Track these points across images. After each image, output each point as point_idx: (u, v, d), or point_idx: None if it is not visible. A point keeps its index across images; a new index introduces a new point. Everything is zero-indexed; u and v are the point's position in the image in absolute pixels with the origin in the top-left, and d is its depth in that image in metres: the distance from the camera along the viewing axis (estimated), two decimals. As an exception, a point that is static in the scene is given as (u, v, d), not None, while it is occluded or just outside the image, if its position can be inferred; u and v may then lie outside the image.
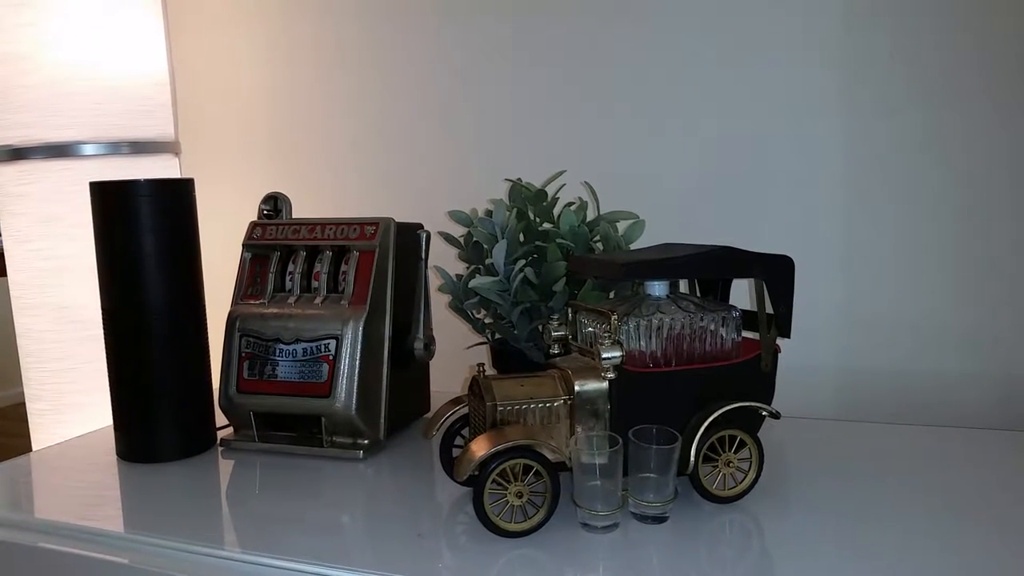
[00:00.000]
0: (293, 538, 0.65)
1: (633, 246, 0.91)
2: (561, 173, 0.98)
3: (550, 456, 0.64)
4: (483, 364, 0.71)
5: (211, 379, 0.89)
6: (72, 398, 1.16)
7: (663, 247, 0.79)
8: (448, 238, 0.97)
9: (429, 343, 0.92)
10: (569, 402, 0.67)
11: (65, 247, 1.13)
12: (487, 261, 0.89)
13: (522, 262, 0.87)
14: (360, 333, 0.83)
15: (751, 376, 0.71)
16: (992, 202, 0.95)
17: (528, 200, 0.92)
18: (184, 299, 0.85)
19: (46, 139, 1.11)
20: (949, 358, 0.98)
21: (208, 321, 0.89)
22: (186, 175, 1.32)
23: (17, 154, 1.12)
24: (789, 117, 1.02)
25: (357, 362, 0.83)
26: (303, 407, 0.84)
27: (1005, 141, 0.94)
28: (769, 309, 0.72)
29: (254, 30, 1.32)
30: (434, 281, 0.96)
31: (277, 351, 0.85)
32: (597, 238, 0.90)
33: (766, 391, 0.72)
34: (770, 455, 0.76)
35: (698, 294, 0.79)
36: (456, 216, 0.95)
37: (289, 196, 0.94)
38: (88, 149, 1.12)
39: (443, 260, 1.02)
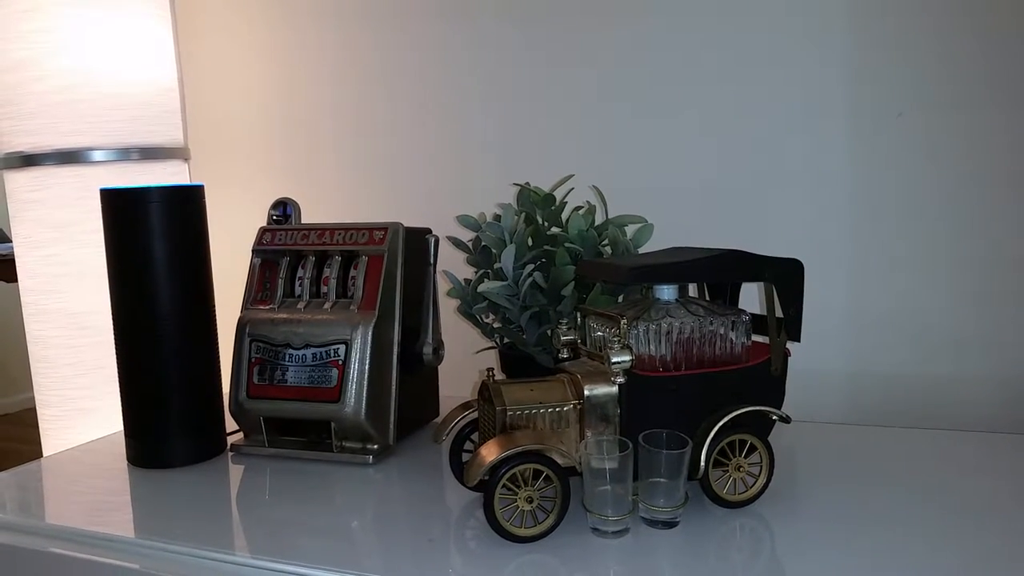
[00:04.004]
0: (303, 543, 0.65)
1: (642, 250, 0.90)
2: (569, 177, 0.98)
3: (560, 461, 0.64)
4: (492, 369, 0.71)
5: (221, 384, 0.89)
6: (82, 404, 1.16)
7: (672, 251, 0.78)
8: (456, 243, 0.97)
9: (438, 348, 0.92)
10: (579, 407, 0.67)
11: (75, 253, 1.13)
12: (496, 266, 0.89)
13: (531, 266, 0.87)
14: (369, 338, 0.83)
15: (761, 380, 0.71)
16: (999, 205, 0.95)
17: (536, 204, 0.92)
18: (194, 305, 0.85)
19: (56, 146, 1.11)
20: (958, 361, 0.98)
21: (218, 326, 0.89)
22: (195, 181, 1.33)
23: (28, 161, 1.12)
24: (796, 121, 1.02)
25: (366, 367, 0.83)
26: (313, 412, 0.84)
27: (1010, 144, 0.93)
28: (779, 313, 0.72)
29: (262, 36, 1.33)
30: (443, 286, 0.96)
31: (287, 356, 0.85)
32: (606, 242, 0.90)
33: (776, 395, 0.72)
34: (780, 459, 0.75)
35: (707, 298, 0.79)
36: (464, 221, 0.95)
37: (298, 201, 0.95)
38: (98, 155, 1.12)
39: (452, 265, 1.02)
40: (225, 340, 0.89)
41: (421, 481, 0.79)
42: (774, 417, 0.70)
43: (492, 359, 1.00)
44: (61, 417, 1.17)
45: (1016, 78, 0.92)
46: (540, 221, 0.93)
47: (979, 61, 0.94)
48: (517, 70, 1.15)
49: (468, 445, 0.75)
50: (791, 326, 0.72)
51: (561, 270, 0.86)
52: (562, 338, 0.75)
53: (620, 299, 0.87)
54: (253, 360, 0.87)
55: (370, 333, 0.84)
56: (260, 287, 0.91)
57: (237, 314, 0.89)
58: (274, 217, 0.94)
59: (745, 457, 0.69)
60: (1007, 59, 0.92)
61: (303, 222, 0.94)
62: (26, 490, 0.83)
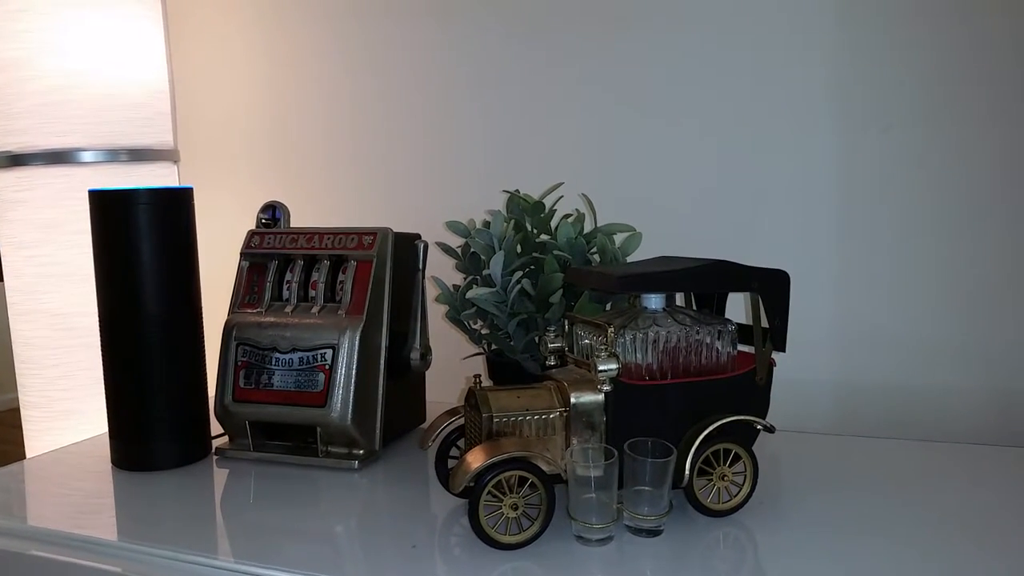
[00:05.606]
0: (287, 548, 0.65)
1: (630, 259, 0.91)
2: (559, 185, 0.98)
3: (546, 468, 0.64)
4: (479, 375, 0.71)
5: (207, 388, 0.89)
6: (67, 405, 1.16)
7: (660, 260, 0.79)
8: (445, 249, 0.97)
9: (425, 353, 0.92)
10: (565, 414, 0.67)
11: (62, 254, 1.13)
12: (484, 272, 0.89)
13: (519, 273, 0.87)
14: (357, 343, 0.83)
15: (746, 389, 0.71)
16: (986, 216, 0.96)
17: (526, 212, 0.93)
18: (181, 307, 0.85)
19: (45, 146, 1.11)
20: (944, 372, 0.99)
21: (205, 329, 0.89)
22: (184, 183, 1.32)
23: (16, 160, 1.12)
24: (785, 132, 1.02)
25: (353, 372, 0.83)
26: (298, 417, 0.84)
27: (996, 157, 0.94)
28: (764, 323, 0.72)
29: (254, 39, 1.33)
30: (431, 291, 0.96)
31: (273, 360, 0.85)
32: (594, 250, 0.90)
33: (761, 405, 0.72)
34: (764, 469, 0.76)
35: (694, 307, 0.79)
36: (454, 227, 0.95)
37: (287, 205, 0.95)
38: (87, 156, 1.12)
39: (440, 271, 1.02)
40: (212, 343, 0.89)
41: (406, 487, 0.79)
42: (758, 427, 0.70)
43: (479, 365, 1.01)
44: (45, 418, 1.17)
45: (1001, 92, 0.93)
46: (529, 228, 0.93)
47: (965, 76, 0.95)
48: (509, 77, 1.16)
49: (454, 451, 0.75)
50: (776, 336, 0.73)
51: (549, 277, 0.86)
52: (549, 345, 0.76)
53: (608, 307, 0.87)
54: (239, 363, 0.87)
55: (357, 338, 0.84)
56: (248, 290, 0.91)
57: (224, 317, 0.89)
58: (263, 220, 0.94)
59: (729, 466, 0.69)
60: (991, 73, 0.93)
61: (292, 226, 0.94)
62: (8, 491, 0.82)
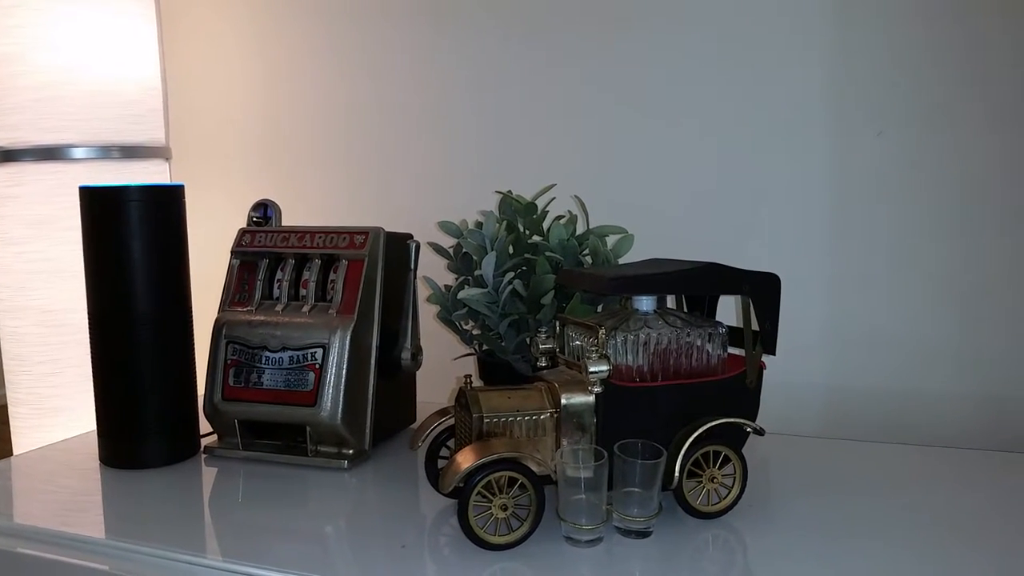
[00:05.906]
0: (276, 547, 0.65)
1: (622, 260, 0.91)
2: (551, 187, 0.98)
3: (535, 469, 0.64)
4: (470, 376, 0.71)
5: (196, 386, 0.89)
6: (55, 402, 1.15)
7: (651, 262, 0.79)
8: (437, 249, 0.97)
9: (416, 353, 0.92)
10: (555, 415, 0.67)
11: (53, 250, 1.12)
12: (476, 273, 0.89)
13: (511, 274, 0.87)
14: (347, 342, 0.83)
15: (736, 392, 0.71)
16: (981, 221, 0.96)
17: (518, 212, 0.93)
18: (171, 305, 0.85)
19: (37, 141, 1.10)
20: (936, 377, 0.99)
21: (195, 327, 0.88)
22: (176, 180, 1.32)
23: (7, 156, 1.11)
24: (779, 134, 1.03)
25: (344, 371, 0.83)
26: (288, 416, 0.84)
27: (993, 159, 0.95)
28: (755, 326, 0.73)
29: (247, 37, 1.32)
30: (423, 292, 0.96)
31: (263, 359, 0.85)
32: (586, 252, 0.90)
33: (751, 407, 0.73)
34: (754, 471, 0.76)
35: (685, 309, 0.80)
36: (446, 227, 0.95)
37: (279, 204, 0.94)
38: (79, 152, 1.11)
39: (432, 271, 1.02)
40: (202, 341, 0.89)
41: (396, 487, 0.79)
42: (748, 429, 0.70)
43: (470, 366, 1.00)
44: (33, 415, 1.16)
45: (998, 93, 0.94)
46: (521, 229, 0.93)
47: (962, 77, 0.95)
48: (505, 77, 1.16)
49: (444, 452, 0.75)
50: (767, 339, 0.73)
51: (541, 278, 0.86)
52: (541, 346, 0.76)
53: (599, 309, 0.87)
54: (229, 362, 0.86)
55: (348, 337, 0.83)
56: (238, 288, 0.90)
57: (214, 316, 0.89)
58: (254, 219, 0.94)
59: (719, 468, 0.69)
60: (988, 75, 0.94)
61: (283, 224, 0.93)
62: (-5, 489, 0.82)
